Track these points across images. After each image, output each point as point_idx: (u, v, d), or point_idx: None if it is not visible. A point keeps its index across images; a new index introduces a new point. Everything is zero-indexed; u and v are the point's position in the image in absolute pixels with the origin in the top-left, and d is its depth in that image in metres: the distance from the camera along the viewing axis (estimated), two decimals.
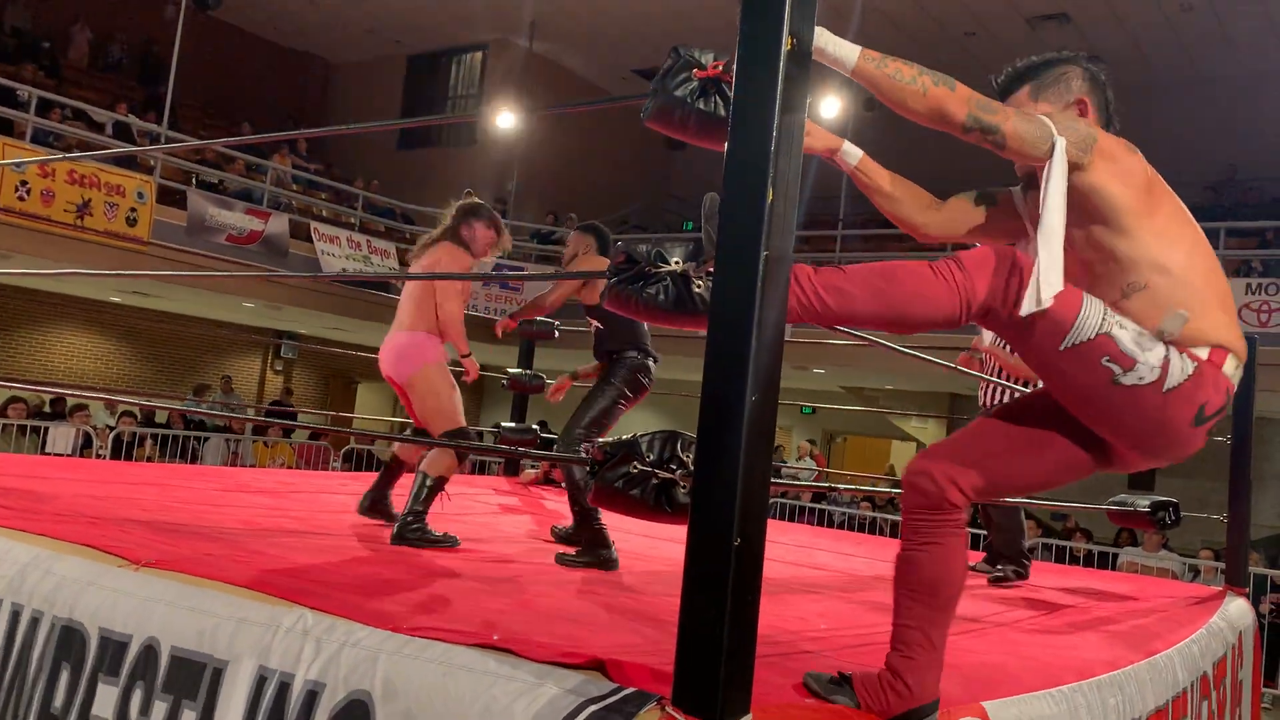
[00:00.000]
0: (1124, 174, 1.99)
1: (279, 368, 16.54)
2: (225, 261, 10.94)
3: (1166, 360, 1.80)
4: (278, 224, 11.56)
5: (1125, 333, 1.80)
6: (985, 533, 4.72)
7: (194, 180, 11.55)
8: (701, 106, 1.76)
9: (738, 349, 1.38)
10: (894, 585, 1.87)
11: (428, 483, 3.56)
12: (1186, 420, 1.83)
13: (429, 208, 14.23)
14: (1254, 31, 12.13)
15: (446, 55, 16.60)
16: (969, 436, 1.95)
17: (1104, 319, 1.80)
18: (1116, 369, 1.78)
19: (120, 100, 12.75)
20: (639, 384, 3.91)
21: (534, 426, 5.63)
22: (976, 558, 4.55)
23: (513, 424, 5.63)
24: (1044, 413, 1.94)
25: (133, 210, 10.12)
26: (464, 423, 3.80)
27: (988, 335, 4.77)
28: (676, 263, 1.74)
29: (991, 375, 4.60)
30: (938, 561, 1.84)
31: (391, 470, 4.01)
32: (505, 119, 14.16)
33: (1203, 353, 1.84)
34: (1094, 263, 1.95)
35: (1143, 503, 4.17)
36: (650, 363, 3.96)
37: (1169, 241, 1.95)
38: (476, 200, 4.17)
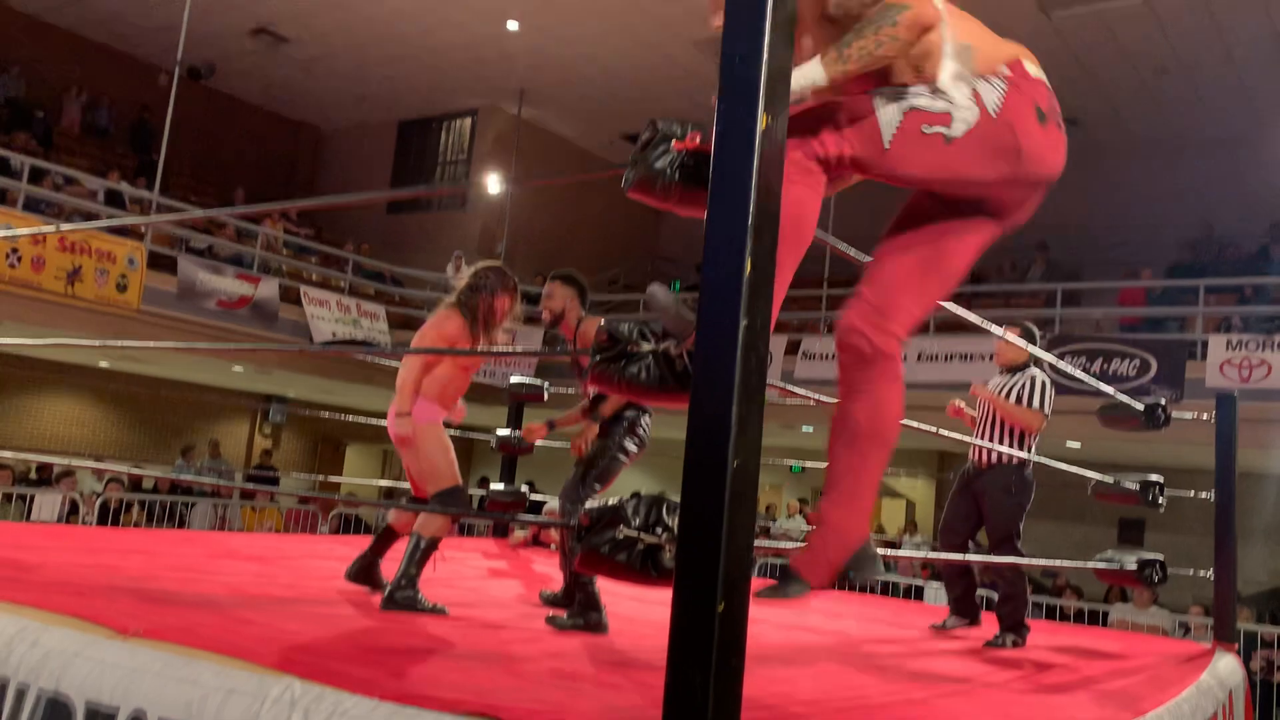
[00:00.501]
0: None
1: (267, 431, 16.49)
2: (216, 327, 10.98)
3: (976, 93, 1.90)
4: (268, 288, 11.62)
5: (922, 98, 1.89)
6: (950, 588, 4.72)
7: (185, 246, 11.62)
8: (680, 178, 1.82)
9: (718, 417, 1.42)
10: (830, 439, 1.97)
11: (422, 544, 3.55)
12: (1033, 123, 1.93)
13: (419, 270, 14.34)
14: (1226, 94, 12.40)
15: (437, 121, 16.83)
16: (883, 286, 2.04)
17: (899, 99, 1.88)
18: (941, 129, 1.86)
19: (112, 166, 12.87)
20: (638, 441, 3.96)
21: (522, 489, 5.64)
22: (988, 617, 4.56)
23: (501, 486, 5.63)
24: (925, 220, 2.00)
25: (123, 276, 10.17)
26: (459, 481, 3.81)
27: (989, 381, 4.82)
28: (658, 341, 1.79)
29: (986, 426, 4.64)
30: (871, 409, 1.94)
31: (385, 537, 3.99)
32: (493, 184, 14.34)
33: (1003, 69, 1.95)
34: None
35: (1130, 560, 4.19)
36: (647, 419, 4.01)
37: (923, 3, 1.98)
38: (493, 266, 4.10)
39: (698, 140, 1.83)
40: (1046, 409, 4.57)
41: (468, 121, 16.52)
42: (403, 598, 3.43)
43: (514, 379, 5.58)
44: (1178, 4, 10.46)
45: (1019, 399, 4.55)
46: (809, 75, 1.83)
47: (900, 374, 1.97)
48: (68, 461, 5.89)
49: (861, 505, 1.93)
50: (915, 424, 2.81)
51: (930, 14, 1.94)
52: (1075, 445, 10.65)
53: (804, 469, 15.51)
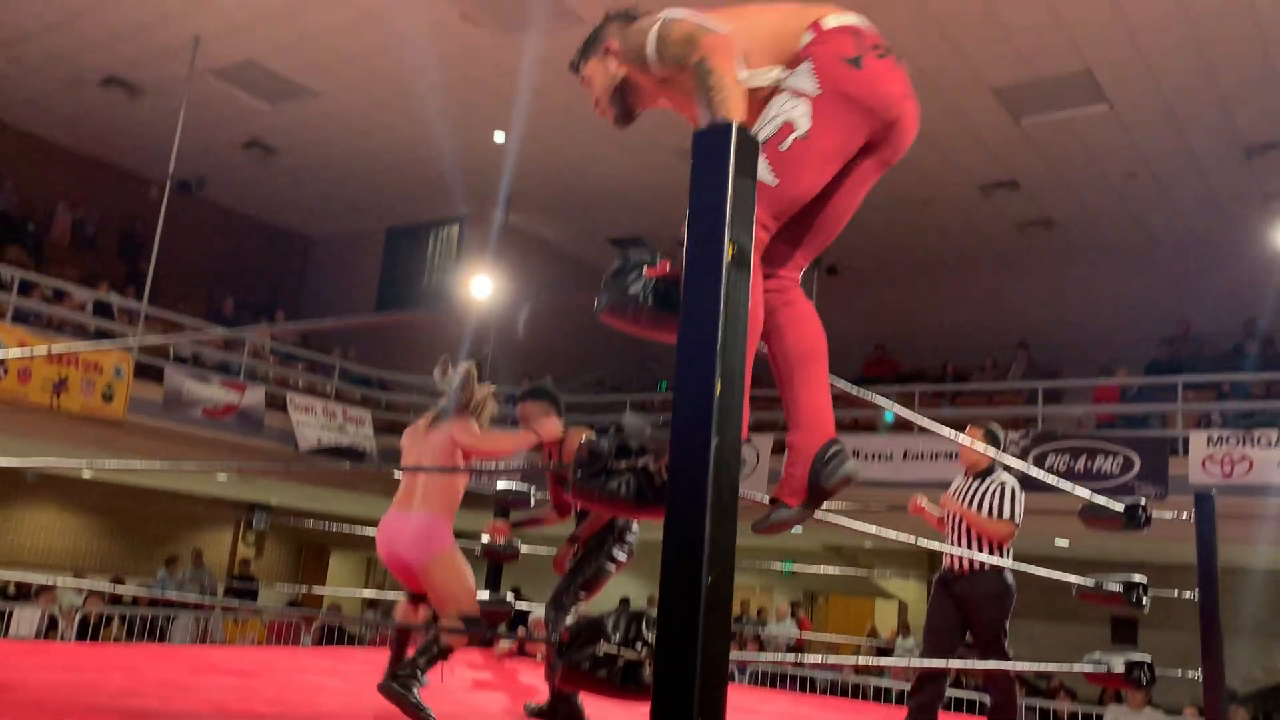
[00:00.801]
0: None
1: (250, 539, 16.32)
2: (202, 436, 10.98)
3: (794, 91, 2.01)
4: (253, 395, 11.65)
5: (762, 130, 1.99)
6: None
7: (171, 355, 11.68)
8: (652, 303, 1.89)
9: (692, 533, 1.46)
10: (776, 380, 2.11)
11: (435, 649, 3.56)
12: (851, 73, 2.01)
13: (405, 375, 14.40)
14: (1194, 196, 12.75)
15: (424, 227, 17.09)
16: (781, 253, 2.13)
17: (760, 131, 1.98)
18: (793, 136, 1.97)
19: (101, 277, 13.00)
20: (627, 549, 3.97)
21: (508, 597, 5.60)
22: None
23: (487, 594, 5.59)
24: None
25: (110, 386, 10.20)
26: (478, 611, 3.83)
27: (953, 483, 4.84)
28: (638, 456, 1.84)
29: (961, 531, 4.65)
30: (796, 338, 2.08)
31: (400, 640, 3.98)
32: (481, 286, 14.50)
33: (804, 40, 2.06)
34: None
35: (1117, 662, 4.18)
36: (635, 526, 4.03)
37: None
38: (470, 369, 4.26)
39: (668, 267, 1.91)
40: (1018, 518, 4.58)
41: (455, 228, 16.79)
42: (400, 685, 3.42)
43: (500, 485, 5.59)
44: (1142, 111, 10.83)
45: (989, 510, 4.55)
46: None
47: (800, 294, 2.15)
48: (46, 579, 5.82)
49: (819, 420, 2.05)
50: (895, 534, 2.85)
51: (724, 46, 2.05)
52: (1064, 543, 10.64)
53: (795, 570, 15.40)
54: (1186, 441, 9.54)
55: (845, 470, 2.01)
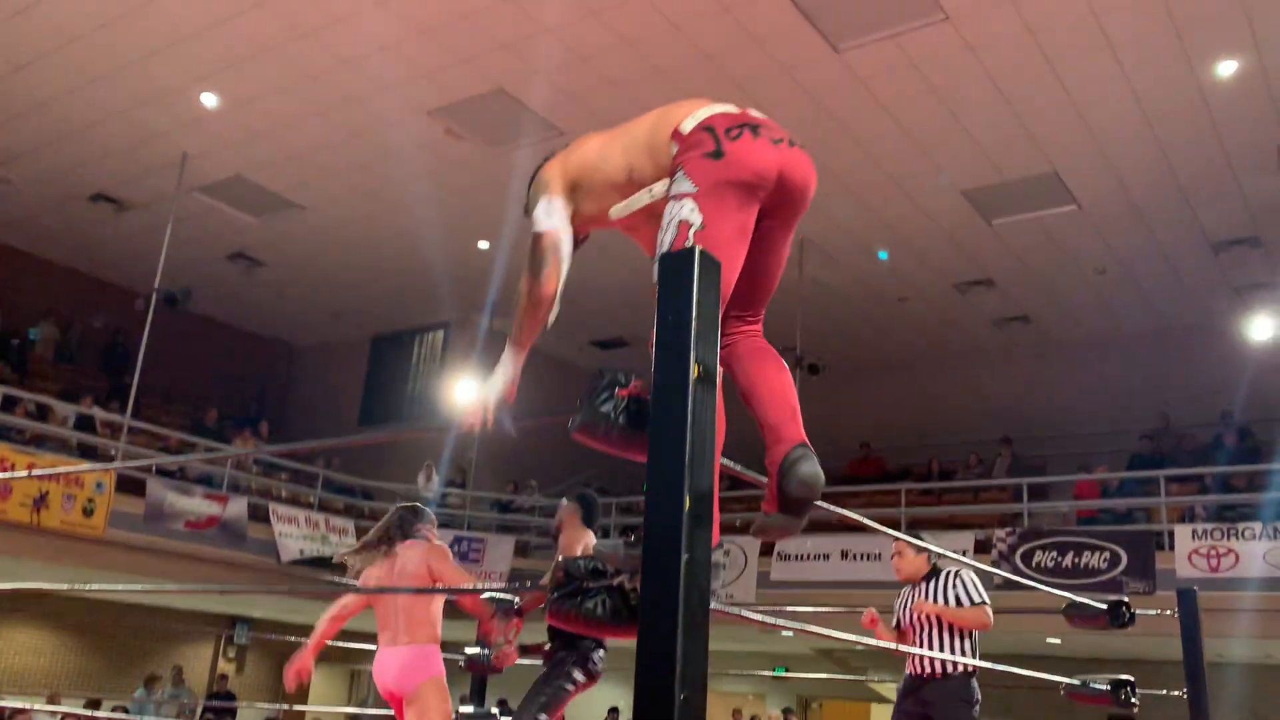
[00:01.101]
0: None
1: (231, 654, 15.98)
2: (183, 550, 10.85)
3: (675, 197, 2.14)
4: (236, 507, 11.56)
5: (668, 233, 2.13)
6: None
7: (153, 467, 11.61)
8: (622, 422, 1.94)
9: (664, 653, 1.48)
10: (741, 398, 2.22)
11: None
12: (719, 165, 2.14)
13: (389, 483, 14.33)
14: (1165, 289, 13.00)
15: (409, 334, 17.20)
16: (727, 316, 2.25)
17: (664, 239, 2.14)
18: (692, 230, 2.10)
19: (84, 390, 12.99)
20: (589, 673, 3.94)
21: (493, 711, 5.50)
22: None
23: (470, 709, 5.49)
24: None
25: (90, 501, 10.11)
26: None
27: (899, 599, 4.80)
28: (613, 575, 1.86)
29: (924, 636, 4.60)
30: (746, 355, 2.28)
31: None
32: (466, 392, 14.53)
33: (671, 151, 2.20)
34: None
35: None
36: (602, 652, 4.01)
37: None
38: (413, 506, 4.33)
39: (639, 386, 1.96)
40: (985, 597, 4.57)
41: (440, 334, 16.91)
42: None
43: (486, 594, 5.54)
44: (1109, 210, 11.11)
45: (956, 603, 4.52)
46: (504, 365, 2.41)
47: (745, 336, 2.35)
48: (21, 704, 5.69)
49: (784, 430, 2.12)
50: (874, 642, 2.85)
51: (550, 171, 2.38)
52: (1055, 641, 10.54)
53: (787, 670, 15.14)
54: (1172, 535, 9.55)
55: (801, 473, 2.07)
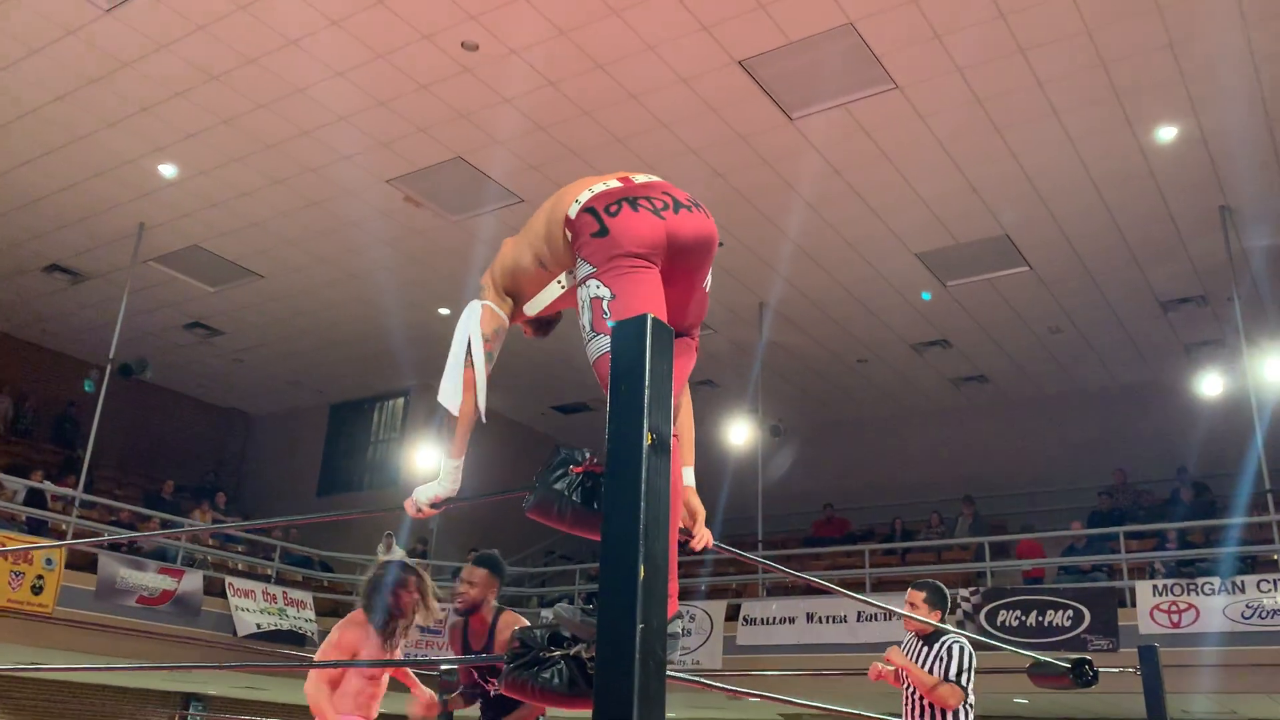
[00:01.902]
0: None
1: None
2: (135, 627, 10.58)
3: (582, 281, 2.30)
4: (191, 581, 11.31)
5: (586, 312, 2.28)
6: None
7: (107, 544, 11.36)
8: (577, 499, 1.93)
9: (621, 717, 1.46)
10: None
11: None
12: (605, 241, 2.26)
13: (348, 554, 14.10)
14: (1117, 348, 13.24)
15: (369, 402, 17.08)
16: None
17: (595, 338, 2.27)
18: (605, 306, 2.23)
19: (35, 464, 12.73)
20: None
21: None
22: None
23: None
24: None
25: (39, 578, 9.86)
26: None
27: (897, 651, 4.80)
28: (569, 645, 1.84)
29: (914, 702, 4.61)
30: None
31: None
32: (427, 459, 14.39)
33: (567, 238, 2.36)
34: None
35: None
36: None
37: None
38: (393, 560, 4.20)
39: (593, 460, 1.96)
40: (965, 681, 4.47)
41: (400, 401, 16.80)
42: None
43: (445, 666, 5.44)
44: (1060, 270, 11.34)
45: (936, 674, 4.47)
46: (443, 481, 2.52)
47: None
48: None
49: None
50: (842, 709, 2.83)
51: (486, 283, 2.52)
52: (1023, 701, 10.50)
53: None
54: (1134, 592, 9.60)
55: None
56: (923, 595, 4.68)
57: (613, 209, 2.32)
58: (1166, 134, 8.95)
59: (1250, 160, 9.23)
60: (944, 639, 4.57)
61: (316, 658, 3.95)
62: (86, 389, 11.45)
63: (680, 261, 2.35)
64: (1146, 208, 10.07)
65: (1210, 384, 11.39)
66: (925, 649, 4.57)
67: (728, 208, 10.34)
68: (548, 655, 1.79)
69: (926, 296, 11.53)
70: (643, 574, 1.54)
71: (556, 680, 1.77)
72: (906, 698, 4.61)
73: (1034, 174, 9.63)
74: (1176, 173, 9.49)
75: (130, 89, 9.09)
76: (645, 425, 1.60)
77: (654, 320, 1.67)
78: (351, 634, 3.86)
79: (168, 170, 10.34)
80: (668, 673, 1.55)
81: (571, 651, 1.79)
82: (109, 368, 11.47)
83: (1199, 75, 8.23)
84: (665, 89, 8.73)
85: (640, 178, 2.44)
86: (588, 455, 1.99)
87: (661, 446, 1.63)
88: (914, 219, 10.49)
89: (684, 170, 9.75)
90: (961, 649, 4.51)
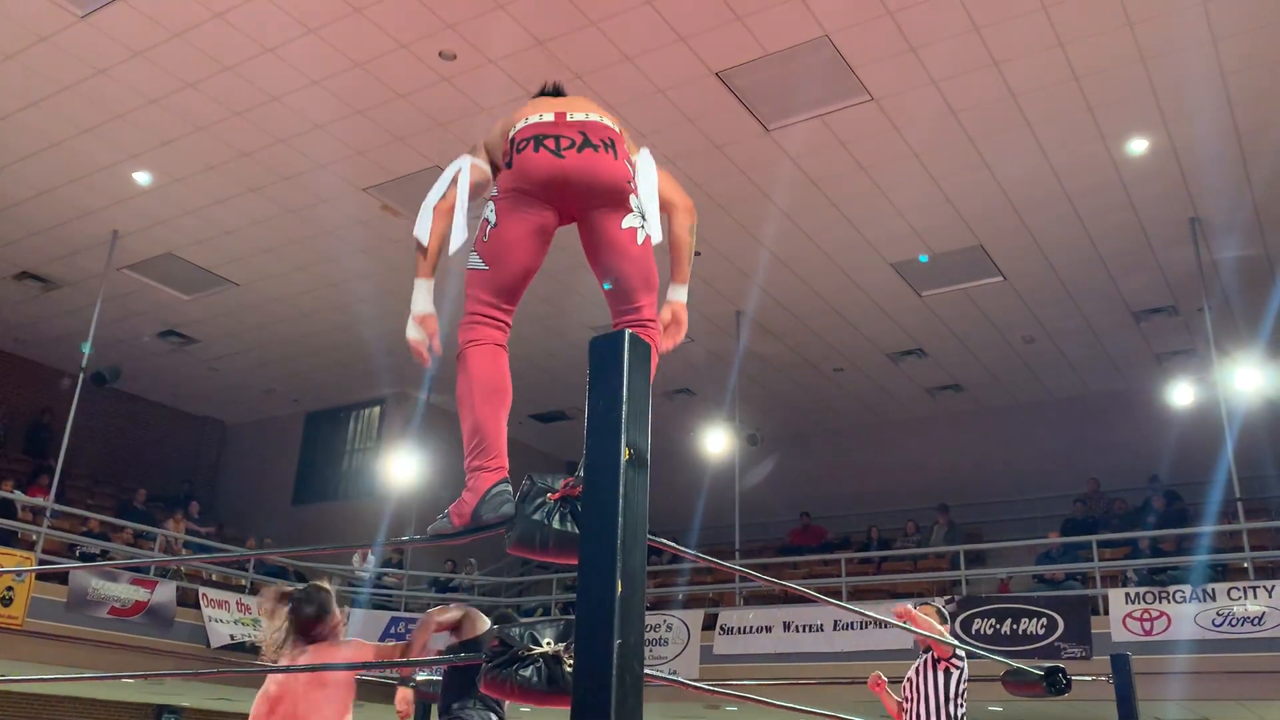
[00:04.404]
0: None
1: None
2: (107, 638, 10.47)
3: (490, 195, 2.55)
4: (164, 592, 11.20)
5: (476, 227, 2.54)
6: None
7: (78, 553, 11.24)
8: (556, 526, 1.94)
9: None
10: (458, 399, 2.40)
11: None
12: (510, 174, 2.50)
13: (323, 564, 14.00)
14: (1090, 357, 13.38)
15: (345, 410, 16.98)
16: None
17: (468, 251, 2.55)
18: (488, 224, 2.53)
19: (5, 474, 12.58)
20: None
21: None
22: None
23: None
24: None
25: (9, 590, 9.74)
26: None
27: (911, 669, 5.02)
28: (548, 644, 1.85)
29: (920, 705, 4.77)
30: (483, 358, 2.41)
31: None
32: (403, 467, 14.33)
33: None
34: None
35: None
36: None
37: None
38: (312, 589, 4.09)
39: (569, 484, 1.97)
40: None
41: (376, 410, 16.72)
42: None
43: (420, 676, 5.43)
44: (1033, 281, 11.45)
45: (946, 673, 4.73)
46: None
47: (488, 332, 2.54)
48: None
49: (497, 457, 2.33)
50: (824, 711, 2.85)
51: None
52: (998, 709, 10.56)
53: None
54: (1106, 599, 9.69)
55: (503, 511, 2.21)
56: (934, 610, 5.10)
57: (522, 145, 2.51)
58: (1138, 146, 9.06)
59: (1220, 173, 9.37)
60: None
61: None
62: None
63: (577, 200, 2.49)
64: (1118, 219, 10.18)
65: (1181, 393, 11.52)
66: (927, 656, 4.91)
67: (704, 216, 10.36)
68: (526, 653, 1.81)
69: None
70: (620, 589, 1.55)
71: (536, 678, 1.79)
72: (915, 704, 4.83)
73: (1008, 185, 9.73)
74: (1147, 185, 9.61)
75: (105, 96, 9.03)
76: (623, 440, 1.61)
77: (631, 336, 1.69)
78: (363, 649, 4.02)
79: (142, 177, 10.28)
80: (646, 671, 1.56)
81: (551, 650, 1.80)
82: (80, 375, 11.36)
83: (1170, 89, 8.35)
84: (643, 99, 8.76)
85: (576, 115, 2.58)
86: (561, 480, 2.00)
87: (639, 461, 1.64)
88: (889, 229, 10.56)
89: None
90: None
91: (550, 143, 2.50)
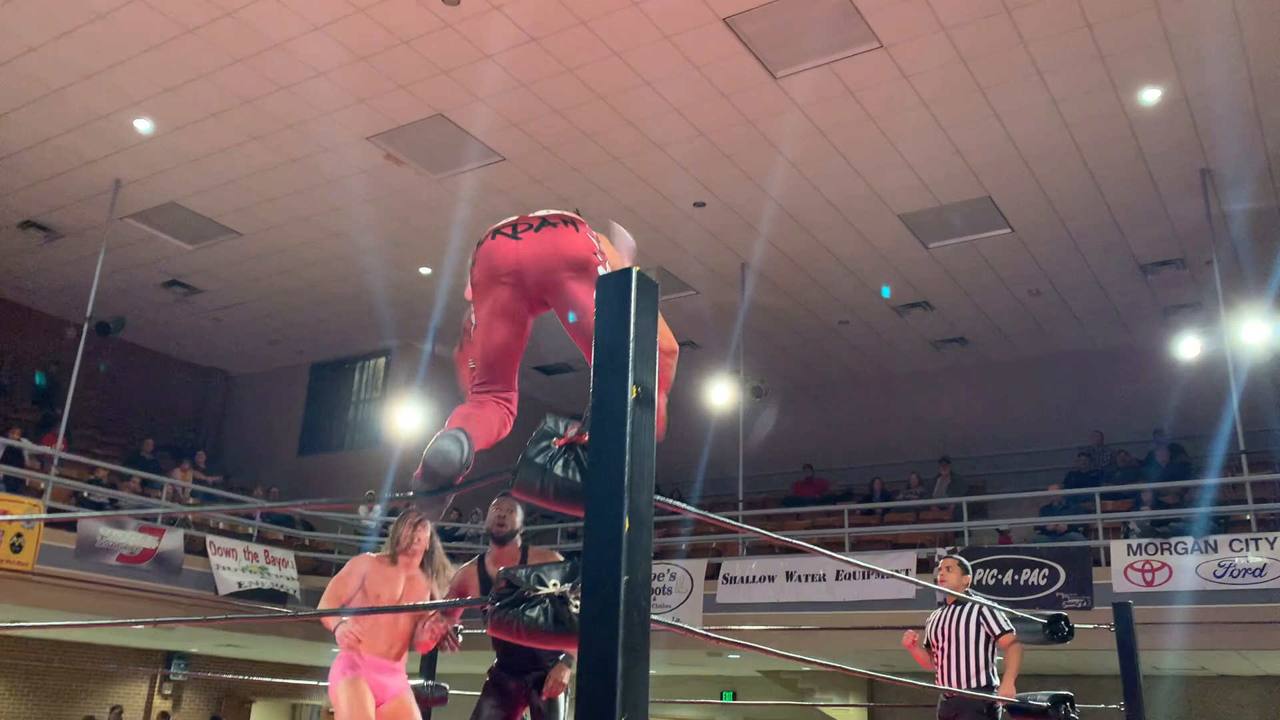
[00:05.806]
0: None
1: (167, 691, 15.56)
2: (116, 584, 10.58)
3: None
4: (172, 540, 11.30)
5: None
6: None
7: (85, 501, 11.31)
8: (559, 472, 1.94)
9: (604, 672, 1.48)
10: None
11: None
12: (471, 267, 2.63)
13: (330, 513, 14.10)
14: (1096, 311, 13.32)
15: (350, 361, 17.00)
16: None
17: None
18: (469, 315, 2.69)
19: (13, 423, 12.64)
20: None
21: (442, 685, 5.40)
22: None
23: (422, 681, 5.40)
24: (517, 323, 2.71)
25: (19, 536, 9.82)
26: None
27: (931, 617, 5.16)
28: (555, 584, 1.85)
29: (954, 660, 5.02)
30: (483, 417, 2.55)
31: None
32: (408, 418, 14.37)
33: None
34: None
35: (1042, 698, 4.38)
36: None
37: None
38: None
39: (575, 431, 1.96)
40: (1009, 624, 5.12)
41: (381, 361, 16.74)
42: None
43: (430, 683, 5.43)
44: (1041, 233, 11.37)
45: (991, 630, 5.12)
46: None
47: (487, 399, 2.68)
48: None
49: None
50: (822, 661, 2.87)
51: None
52: (998, 658, 10.65)
53: (736, 701, 15.11)
54: (1108, 551, 9.73)
55: (440, 446, 2.32)
56: (955, 562, 5.30)
57: (482, 241, 2.63)
58: (1150, 96, 8.95)
59: (1232, 124, 9.25)
60: (970, 603, 5.12)
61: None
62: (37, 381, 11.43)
63: (534, 277, 2.56)
64: (1128, 170, 10.08)
65: (1188, 346, 11.49)
66: (957, 610, 5.10)
67: (709, 167, 10.29)
68: (533, 594, 1.81)
69: (886, 292, 11.62)
70: (627, 526, 1.55)
71: (543, 619, 1.80)
72: (942, 654, 5.10)
73: (1017, 136, 9.62)
74: (1159, 135, 9.50)
75: (104, 42, 8.93)
76: (630, 379, 1.60)
77: (639, 275, 1.67)
78: (356, 564, 4.27)
79: (143, 125, 10.19)
80: (652, 617, 1.56)
81: (557, 591, 1.81)
82: (85, 325, 11.36)
83: (1183, 37, 8.22)
84: (648, 46, 8.65)
85: (539, 212, 2.67)
86: (568, 426, 1.99)
87: (647, 400, 1.63)
88: (897, 180, 10.47)
89: (666, 128, 9.69)
90: (988, 606, 5.06)
91: (507, 229, 2.60)
